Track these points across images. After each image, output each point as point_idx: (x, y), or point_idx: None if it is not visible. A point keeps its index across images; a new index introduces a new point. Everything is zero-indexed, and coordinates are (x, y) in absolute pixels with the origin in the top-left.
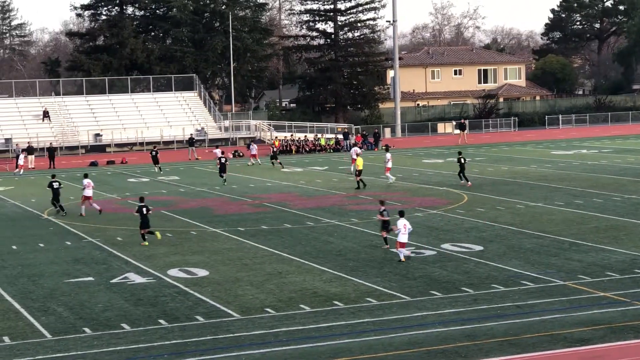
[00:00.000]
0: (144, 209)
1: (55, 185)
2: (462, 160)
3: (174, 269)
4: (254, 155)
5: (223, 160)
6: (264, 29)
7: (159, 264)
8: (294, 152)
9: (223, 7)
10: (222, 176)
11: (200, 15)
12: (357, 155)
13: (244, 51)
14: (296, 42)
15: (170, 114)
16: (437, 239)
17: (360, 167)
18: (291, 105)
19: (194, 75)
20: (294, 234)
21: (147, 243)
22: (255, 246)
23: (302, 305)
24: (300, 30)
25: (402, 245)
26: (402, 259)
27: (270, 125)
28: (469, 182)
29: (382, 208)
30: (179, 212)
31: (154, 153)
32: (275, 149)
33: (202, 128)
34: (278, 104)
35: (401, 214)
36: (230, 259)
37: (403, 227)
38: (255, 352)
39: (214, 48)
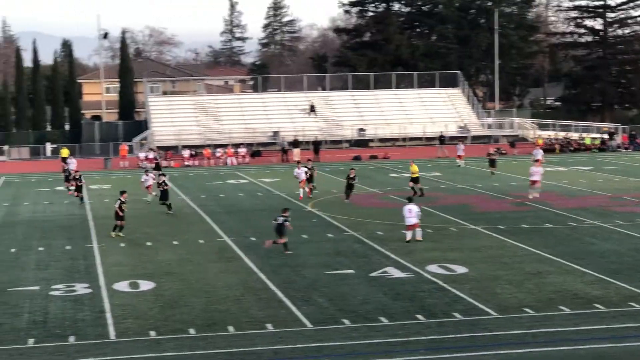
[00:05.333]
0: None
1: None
2: (352, 181)
3: (433, 264)
4: (460, 157)
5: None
6: (530, 25)
7: (419, 259)
8: (557, 151)
9: (489, 4)
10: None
11: (466, 11)
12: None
13: (509, 48)
14: (563, 39)
15: (434, 110)
16: None
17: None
18: (556, 103)
19: (458, 71)
20: (555, 234)
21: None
22: (515, 245)
23: (561, 307)
24: (567, 27)
25: (409, 227)
26: (408, 238)
27: (533, 123)
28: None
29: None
30: (439, 208)
31: (80, 182)
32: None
33: (465, 125)
34: (542, 102)
35: (409, 200)
36: (489, 256)
37: (408, 212)
38: (513, 352)
39: (479, 45)
